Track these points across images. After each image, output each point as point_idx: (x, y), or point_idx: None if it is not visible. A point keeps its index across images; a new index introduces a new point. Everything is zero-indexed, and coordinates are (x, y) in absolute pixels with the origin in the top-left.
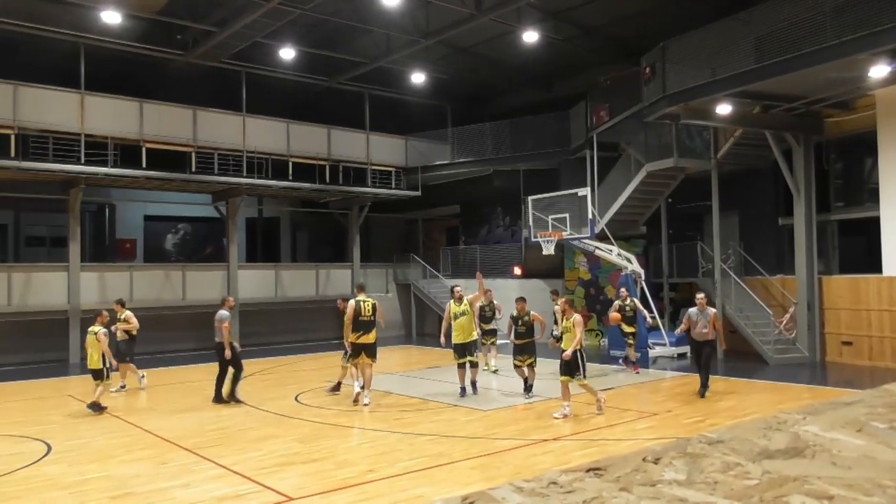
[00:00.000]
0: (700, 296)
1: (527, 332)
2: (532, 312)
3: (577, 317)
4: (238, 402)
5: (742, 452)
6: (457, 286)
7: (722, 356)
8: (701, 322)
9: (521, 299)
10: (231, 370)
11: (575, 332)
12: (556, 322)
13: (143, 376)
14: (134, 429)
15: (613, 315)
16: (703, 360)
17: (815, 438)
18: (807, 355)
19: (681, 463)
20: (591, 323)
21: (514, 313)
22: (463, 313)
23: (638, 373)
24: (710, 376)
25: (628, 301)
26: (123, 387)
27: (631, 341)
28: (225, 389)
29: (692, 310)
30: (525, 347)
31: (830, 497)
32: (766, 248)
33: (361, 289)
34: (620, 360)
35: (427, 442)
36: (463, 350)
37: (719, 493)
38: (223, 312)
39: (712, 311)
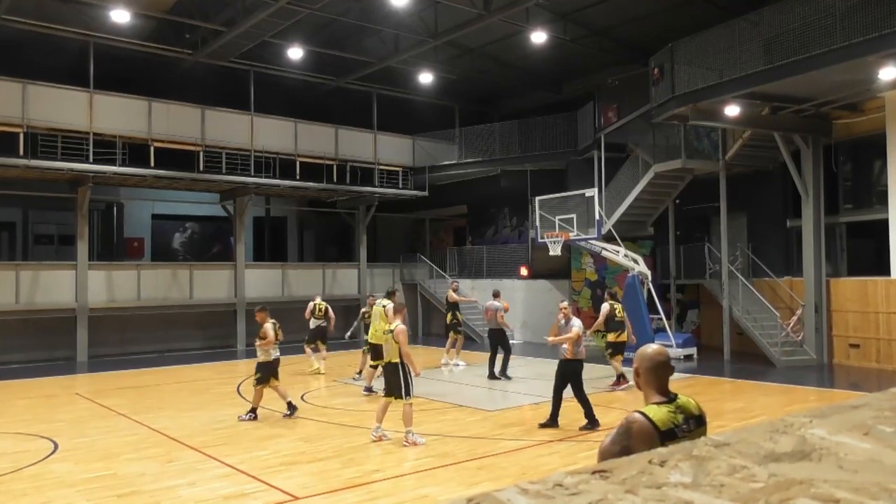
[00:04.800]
0: (563, 303)
1: None
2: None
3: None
4: (508, 378)
5: (748, 455)
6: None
7: (728, 357)
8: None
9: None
10: (498, 352)
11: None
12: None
13: None
14: (140, 427)
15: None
16: (573, 387)
17: (822, 442)
18: (814, 358)
19: (687, 465)
20: (598, 324)
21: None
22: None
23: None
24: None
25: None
26: None
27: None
28: (498, 368)
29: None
30: None
31: (837, 500)
32: (774, 249)
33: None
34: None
35: (433, 442)
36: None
37: (725, 496)
38: (497, 304)
39: (576, 323)
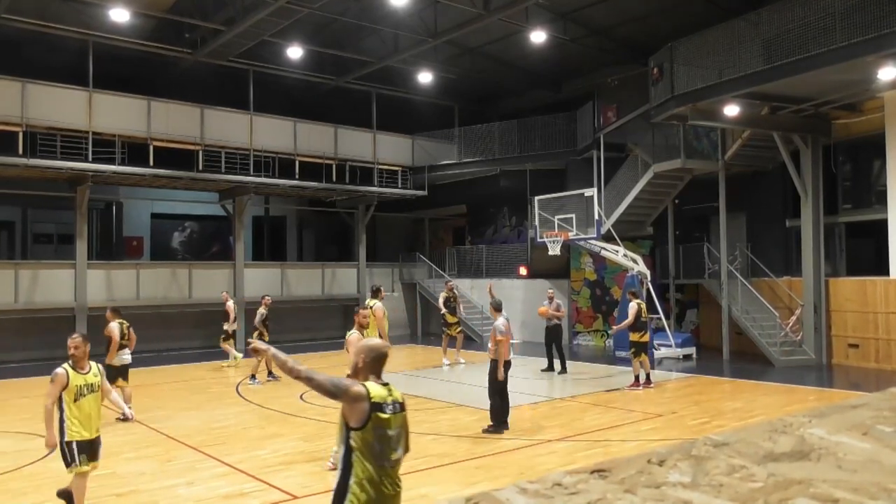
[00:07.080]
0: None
1: None
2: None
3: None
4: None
5: (747, 455)
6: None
7: (727, 357)
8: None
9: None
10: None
11: None
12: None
13: None
14: (139, 427)
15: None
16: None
17: (821, 441)
18: (813, 358)
19: (686, 465)
20: (597, 324)
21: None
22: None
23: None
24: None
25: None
26: None
27: None
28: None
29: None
30: None
31: (835, 500)
32: (774, 249)
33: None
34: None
35: (431, 441)
36: None
37: (724, 496)
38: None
39: (497, 324)
